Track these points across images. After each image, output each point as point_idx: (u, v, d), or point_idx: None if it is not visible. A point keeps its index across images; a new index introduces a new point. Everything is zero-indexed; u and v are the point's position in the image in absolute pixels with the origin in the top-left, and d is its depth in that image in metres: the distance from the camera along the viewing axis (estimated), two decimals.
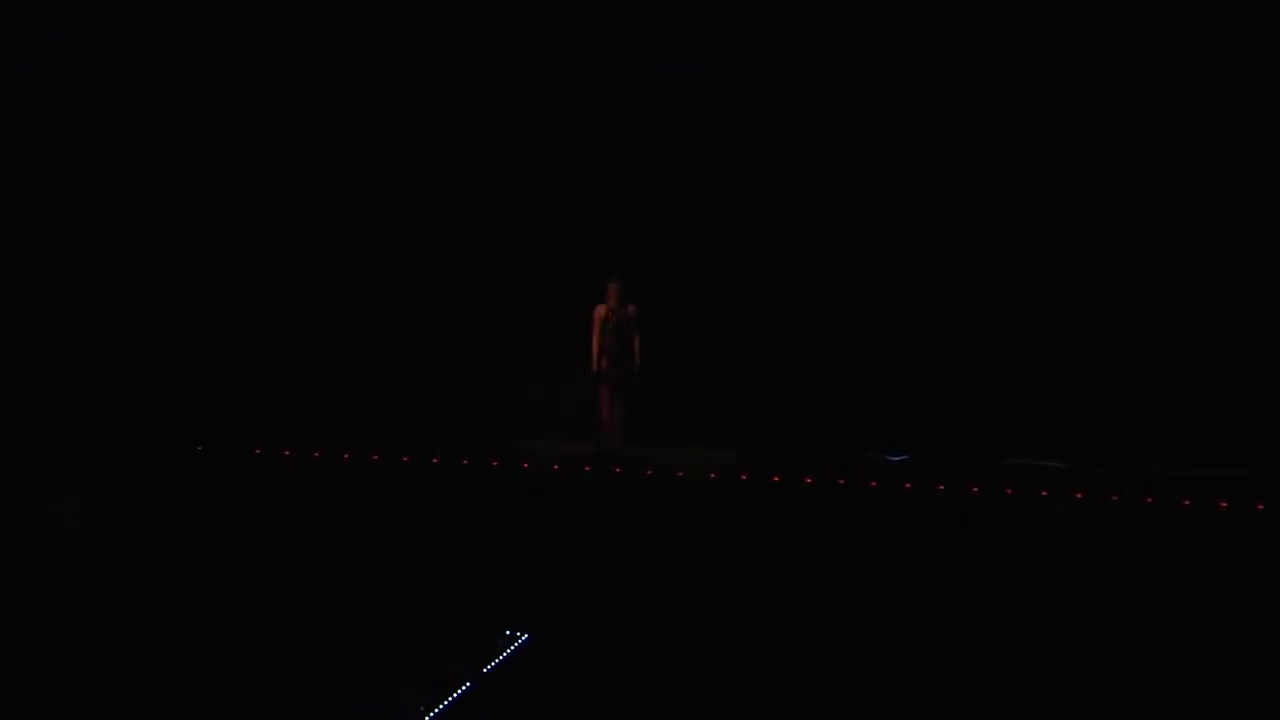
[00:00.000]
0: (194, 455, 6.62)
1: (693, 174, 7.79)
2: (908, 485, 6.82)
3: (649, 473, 7.44)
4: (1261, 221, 6.89)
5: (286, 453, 7.14)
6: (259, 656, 3.74)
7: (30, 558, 4.63)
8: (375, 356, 8.24)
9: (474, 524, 5.80)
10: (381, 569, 4.79)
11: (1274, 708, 3.59)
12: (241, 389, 7.73)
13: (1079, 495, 6.38)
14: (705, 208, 7.90)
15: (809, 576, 5.04)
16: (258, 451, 6.99)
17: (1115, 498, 6.26)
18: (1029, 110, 6.92)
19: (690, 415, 8.30)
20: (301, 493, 5.93)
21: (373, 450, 7.21)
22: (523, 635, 3.79)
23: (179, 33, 7.07)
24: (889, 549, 5.54)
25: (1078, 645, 4.15)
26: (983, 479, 6.94)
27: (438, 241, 8.16)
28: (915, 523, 5.99)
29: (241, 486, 6.00)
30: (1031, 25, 6.66)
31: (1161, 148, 6.97)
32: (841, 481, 6.89)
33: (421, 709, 3.22)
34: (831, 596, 4.71)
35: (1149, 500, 6.18)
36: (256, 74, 7.24)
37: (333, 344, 8.18)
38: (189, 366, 7.53)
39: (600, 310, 8.14)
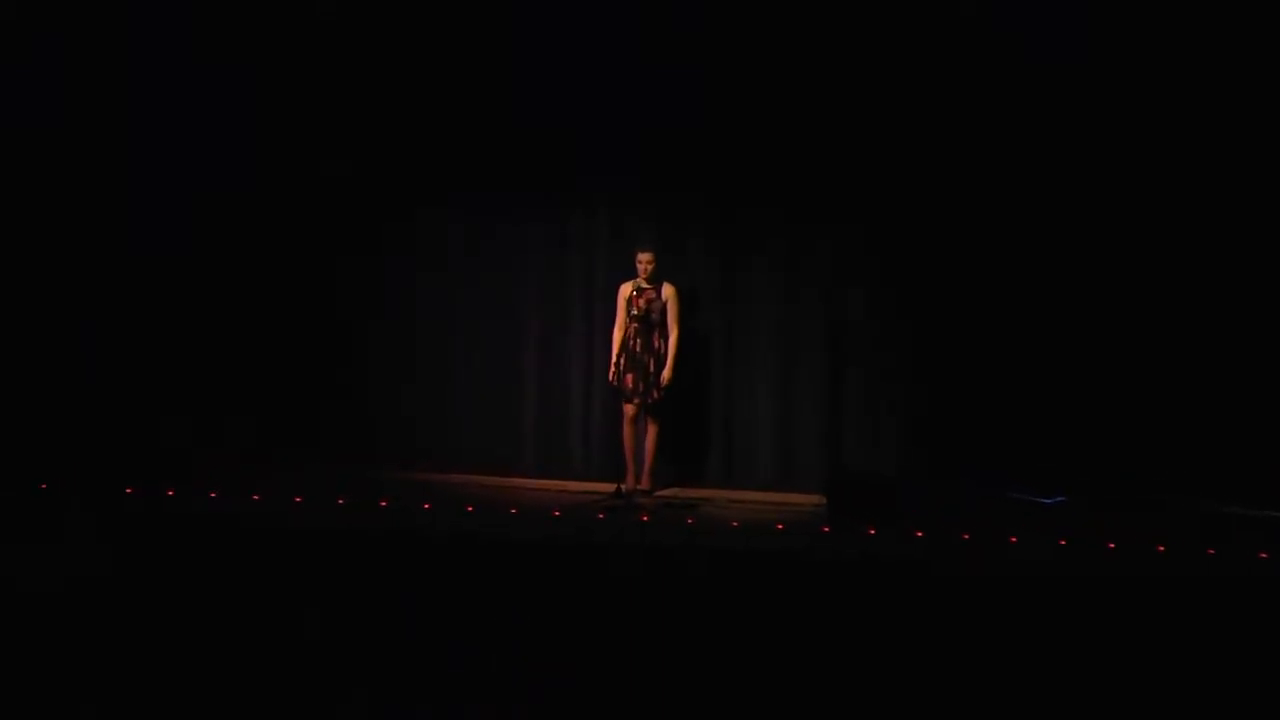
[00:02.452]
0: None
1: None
2: (1062, 540, 6.78)
3: (690, 522, 7.46)
4: None
5: (170, 493, 7.39)
6: None
7: None
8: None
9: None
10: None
11: None
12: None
13: None
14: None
15: (923, 685, 5.14)
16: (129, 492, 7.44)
17: None
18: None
19: (780, 448, 8.67)
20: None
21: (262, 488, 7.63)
22: None
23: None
24: (1040, 634, 5.55)
25: None
26: (1174, 532, 6.94)
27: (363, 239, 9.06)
28: (1076, 594, 5.92)
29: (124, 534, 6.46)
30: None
31: None
32: (967, 536, 6.90)
33: None
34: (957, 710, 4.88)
35: None
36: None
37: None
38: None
39: (626, 288, 8.23)
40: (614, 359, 8.11)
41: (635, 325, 8.11)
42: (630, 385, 8.13)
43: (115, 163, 8.70)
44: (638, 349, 8.12)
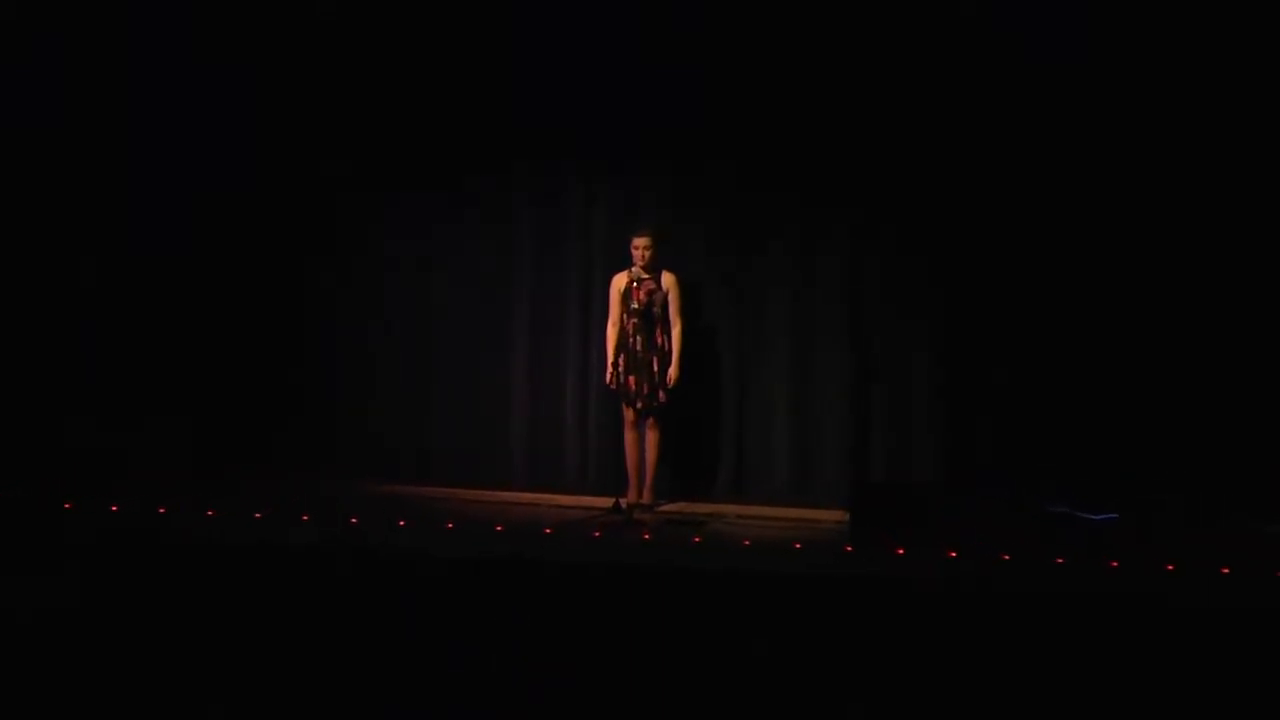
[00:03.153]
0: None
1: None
2: (1114, 562, 6.80)
3: (696, 540, 7.44)
4: None
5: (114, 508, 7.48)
6: None
7: None
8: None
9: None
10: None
11: None
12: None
13: None
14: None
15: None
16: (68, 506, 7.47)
17: None
18: None
19: (797, 457, 8.72)
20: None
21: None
22: None
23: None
24: (1092, 668, 5.54)
25: None
26: (1239, 553, 6.93)
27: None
28: (1131, 622, 5.91)
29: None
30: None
31: None
32: (1007, 557, 6.90)
33: None
34: None
35: None
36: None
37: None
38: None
39: (620, 280, 8.20)
40: (611, 359, 8.09)
41: (634, 321, 8.08)
42: (631, 388, 8.11)
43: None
44: (638, 347, 8.10)
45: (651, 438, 8.20)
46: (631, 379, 8.10)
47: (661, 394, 8.09)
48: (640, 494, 8.20)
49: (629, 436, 8.23)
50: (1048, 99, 8.13)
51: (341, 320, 9.25)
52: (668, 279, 8.18)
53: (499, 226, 9.09)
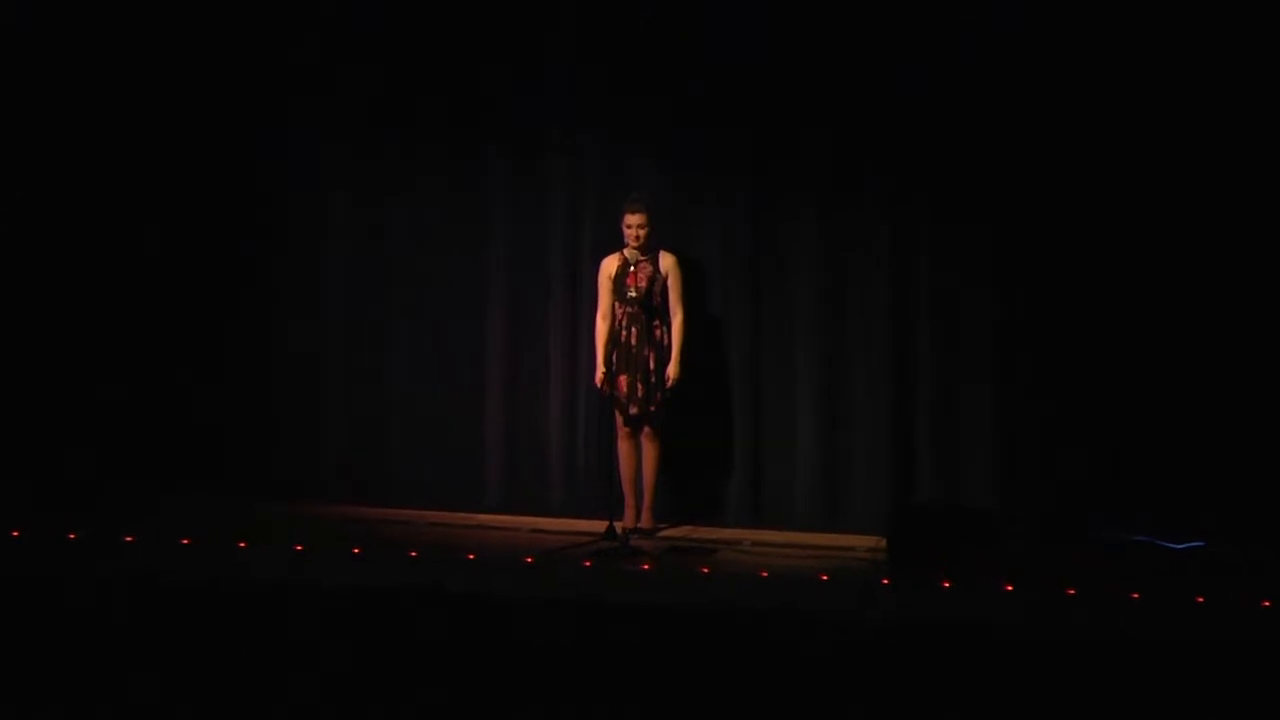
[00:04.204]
0: None
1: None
2: (1199, 598, 6.77)
3: (704, 572, 7.42)
4: None
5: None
6: None
7: None
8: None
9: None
10: None
11: None
12: None
13: None
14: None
15: None
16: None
17: None
18: None
19: (824, 474, 8.66)
20: None
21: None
22: None
23: None
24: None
25: None
26: None
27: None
28: (1220, 667, 5.83)
29: None
30: None
31: None
32: (1073, 592, 6.90)
33: None
34: None
35: None
36: None
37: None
38: None
39: (611, 264, 8.18)
40: (601, 357, 8.05)
41: (628, 311, 8.07)
42: (624, 390, 8.09)
43: None
44: (633, 341, 8.08)
45: (650, 450, 8.17)
46: (623, 379, 8.08)
47: (660, 397, 8.08)
48: (638, 517, 8.20)
49: (623, 448, 8.21)
50: (1137, 85, 8.12)
51: (277, 313, 9.25)
52: (667, 261, 8.15)
53: (466, 196, 9.04)
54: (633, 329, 8.07)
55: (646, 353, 8.06)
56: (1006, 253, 8.39)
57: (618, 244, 8.20)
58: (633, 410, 8.10)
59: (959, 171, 8.41)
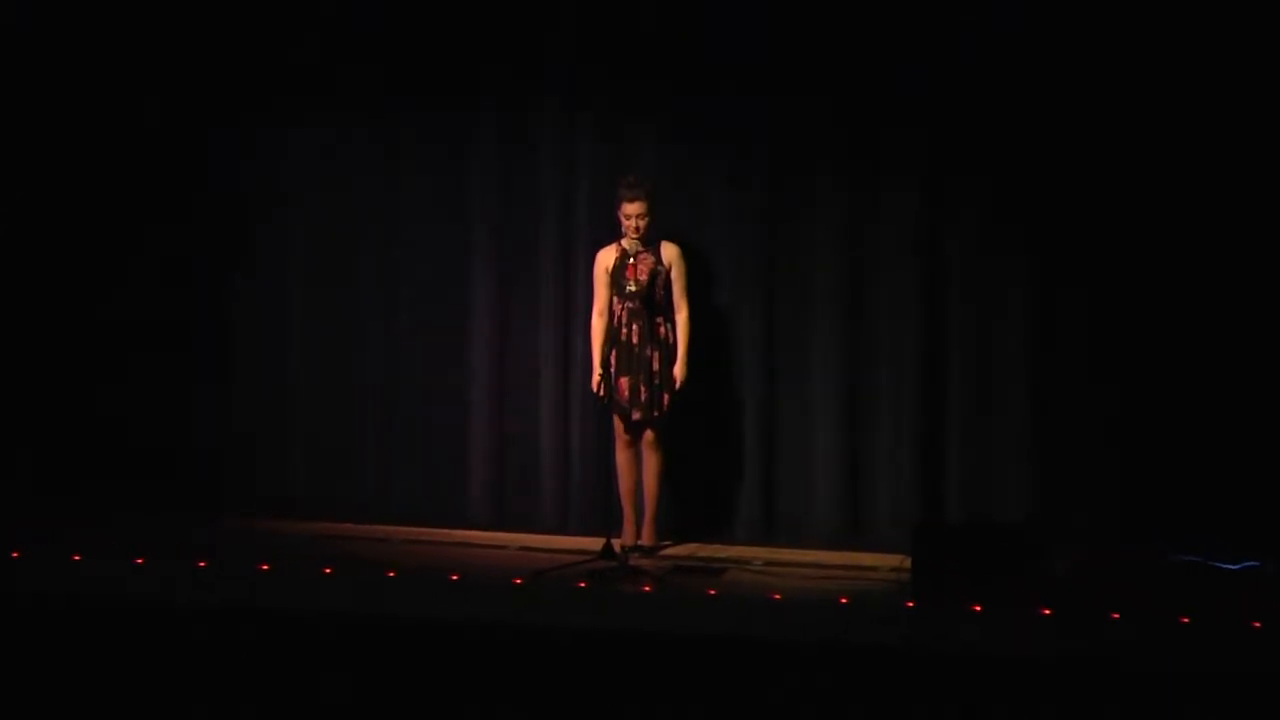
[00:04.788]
0: None
1: None
2: (1257, 624, 6.75)
3: (712, 594, 7.42)
4: None
5: None
6: None
7: None
8: None
9: None
10: None
11: None
12: None
13: None
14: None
15: None
16: None
17: None
18: None
19: (844, 486, 8.67)
20: None
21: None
22: None
23: None
24: None
25: None
26: None
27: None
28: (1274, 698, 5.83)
29: None
30: None
31: None
32: (1117, 616, 6.89)
33: None
34: None
35: None
36: None
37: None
38: None
39: (608, 256, 8.17)
40: (598, 358, 8.05)
41: (628, 307, 8.06)
42: (625, 394, 8.07)
43: None
44: (634, 340, 8.07)
45: (651, 459, 8.18)
46: (624, 382, 8.05)
47: (665, 400, 8.07)
48: (638, 533, 8.21)
49: (622, 458, 8.21)
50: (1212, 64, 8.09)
51: (239, 312, 9.30)
52: (670, 251, 8.14)
53: (447, 180, 9.04)
54: (634, 326, 8.06)
55: (649, 352, 8.05)
56: (1049, 238, 8.36)
57: (615, 233, 8.19)
58: (635, 416, 8.09)
59: (998, 146, 8.37)
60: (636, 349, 8.06)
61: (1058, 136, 8.27)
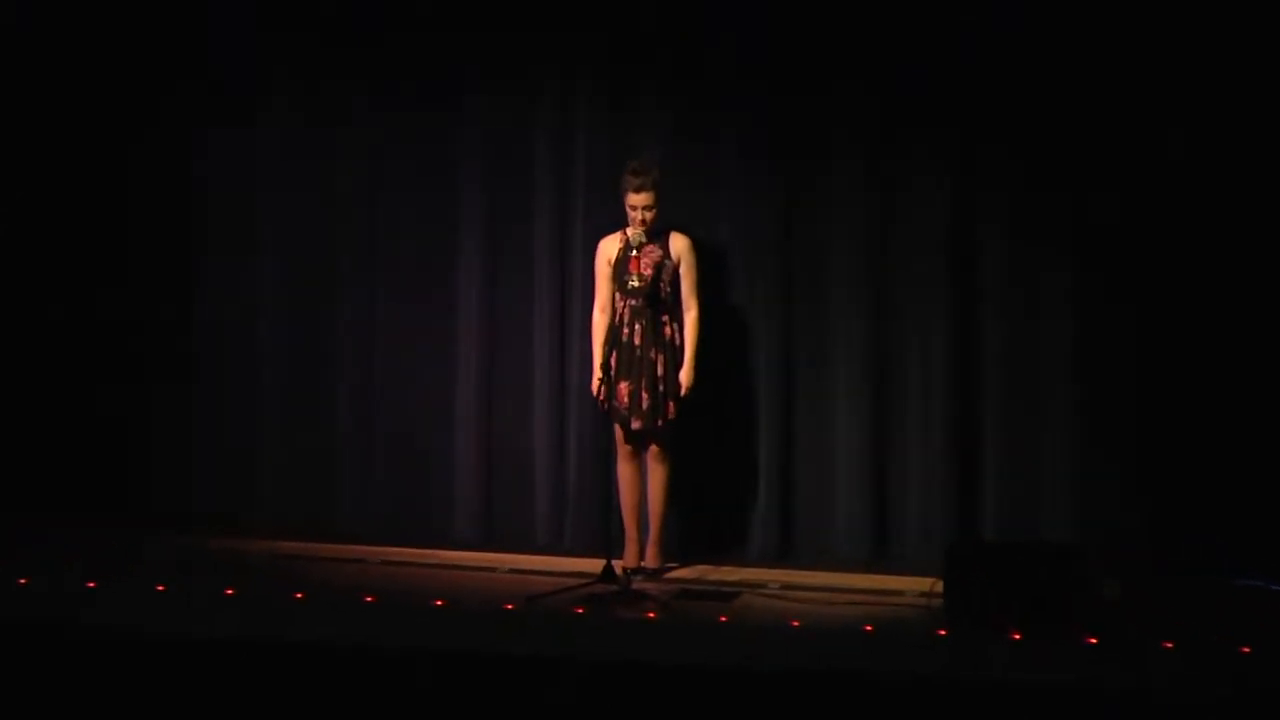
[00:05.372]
0: None
1: None
2: None
3: (723, 621, 7.43)
4: None
5: None
6: None
7: None
8: None
9: None
10: None
11: None
12: None
13: None
14: None
15: None
16: None
17: None
18: None
19: (869, 503, 8.70)
20: None
21: None
22: None
23: None
24: None
25: None
26: None
27: None
28: None
29: None
30: None
31: None
32: (1170, 645, 6.87)
33: None
34: None
35: None
36: None
37: None
38: None
39: (611, 246, 8.22)
40: (599, 360, 7.99)
41: (631, 304, 8.06)
42: (625, 400, 8.06)
43: None
44: (636, 341, 8.07)
45: (657, 473, 8.19)
46: (624, 387, 8.06)
47: (670, 408, 8.07)
48: (641, 554, 8.22)
49: (624, 471, 8.22)
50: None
51: (202, 314, 9.35)
52: (679, 243, 8.15)
53: (431, 161, 9.06)
54: (636, 326, 8.06)
55: (654, 355, 8.05)
56: (1096, 224, 8.35)
57: (619, 221, 8.17)
58: (635, 425, 8.08)
59: (1040, 117, 8.36)
60: (638, 351, 8.06)
61: (1108, 113, 8.31)
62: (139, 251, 9.33)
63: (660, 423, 8.08)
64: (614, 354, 8.01)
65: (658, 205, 8.03)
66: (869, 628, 7.25)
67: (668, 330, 8.09)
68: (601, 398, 7.99)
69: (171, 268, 9.32)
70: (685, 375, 8.08)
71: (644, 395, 8.05)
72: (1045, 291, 8.45)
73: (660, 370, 8.06)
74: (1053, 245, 8.41)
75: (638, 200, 7.99)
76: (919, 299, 8.56)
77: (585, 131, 8.85)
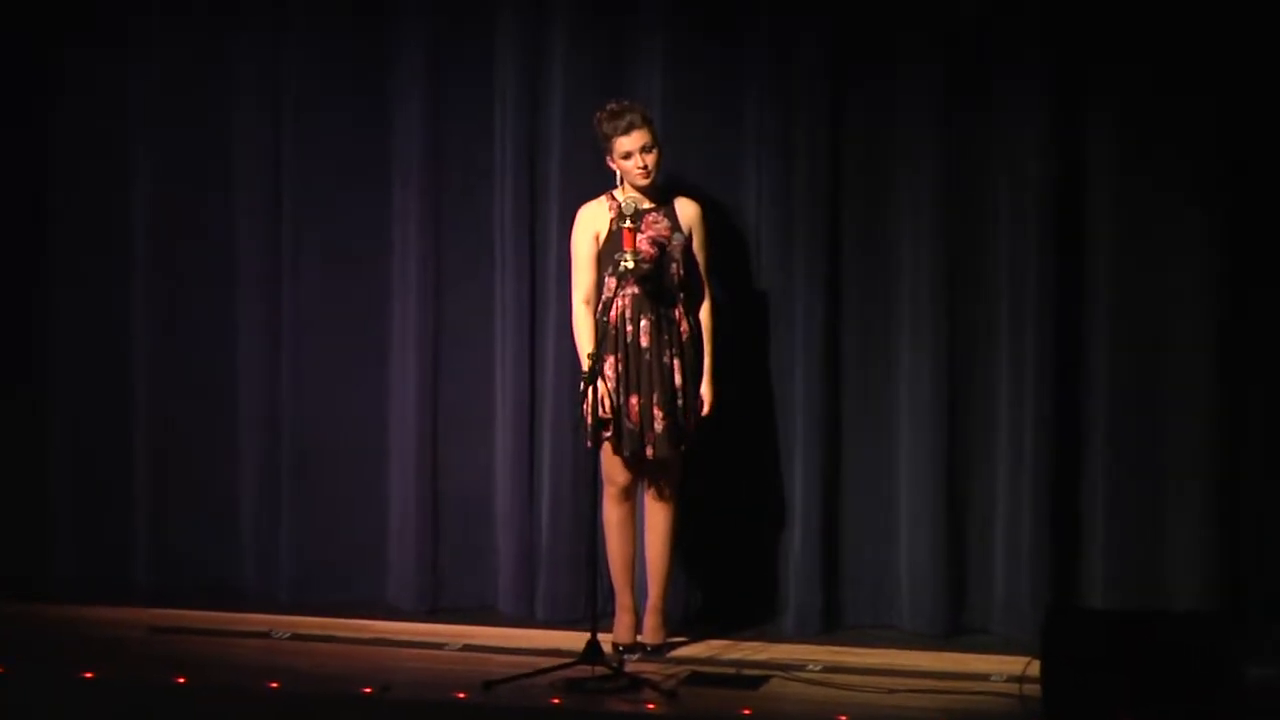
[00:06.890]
0: None
1: None
2: None
3: (745, 715, 7.34)
4: None
5: None
6: None
7: None
8: None
9: None
10: None
11: None
12: None
13: None
14: None
15: None
16: None
17: None
18: None
19: (937, 560, 8.67)
20: None
21: None
22: None
23: None
24: None
25: None
26: None
27: None
28: None
29: None
30: None
31: None
32: None
33: None
34: None
35: None
36: None
37: None
38: None
39: (597, 215, 8.15)
40: (587, 365, 7.80)
41: (629, 293, 7.97)
42: (635, 419, 8.00)
43: None
44: (644, 343, 8.00)
45: (660, 518, 8.17)
46: (635, 402, 7.99)
47: (693, 429, 8.09)
48: (638, 626, 8.19)
49: (614, 516, 8.14)
50: None
51: (63, 308, 9.39)
52: (689, 210, 8.11)
53: (361, 111, 9.10)
54: (642, 322, 7.96)
55: (668, 359, 7.98)
56: (1244, 188, 8.23)
57: (600, 184, 8.11)
58: (650, 453, 7.96)
59: (1168, 42, 8.25)
60: (648, 355, 7.95)
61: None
62: None
63: (683, 448, 8.01)
64: (612, 360, 7.97)
65: (659, 145, 7.92)
66: None
67: (683, 326, 8.02)
68: (590, 419, 7.80)
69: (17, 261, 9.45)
70: (707, 388, 8.05)
71: (658, 413, 7.91)
72: (1179, 273, 8.33)
73: (679, 379, 7.98)
74: (1182, 209, 8.36)
75: (631, 142, 7.88)
76: (1003, 282, 8.51)
77: (561, 52, 8.77)
